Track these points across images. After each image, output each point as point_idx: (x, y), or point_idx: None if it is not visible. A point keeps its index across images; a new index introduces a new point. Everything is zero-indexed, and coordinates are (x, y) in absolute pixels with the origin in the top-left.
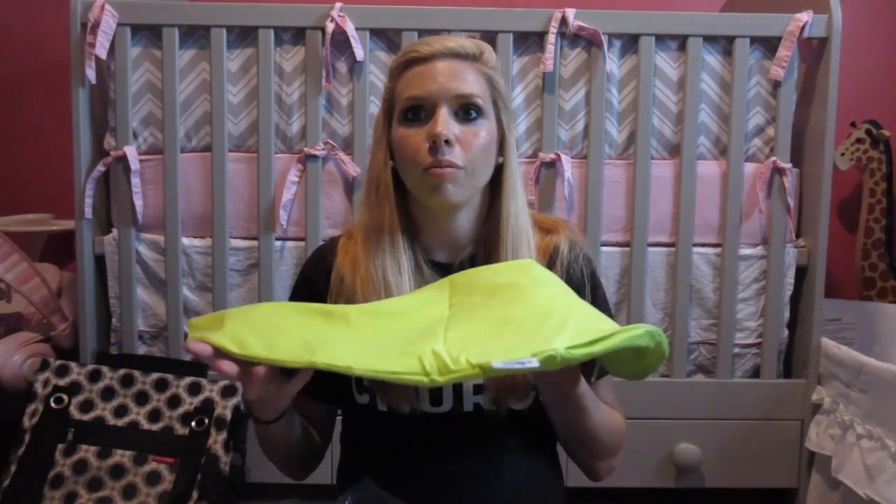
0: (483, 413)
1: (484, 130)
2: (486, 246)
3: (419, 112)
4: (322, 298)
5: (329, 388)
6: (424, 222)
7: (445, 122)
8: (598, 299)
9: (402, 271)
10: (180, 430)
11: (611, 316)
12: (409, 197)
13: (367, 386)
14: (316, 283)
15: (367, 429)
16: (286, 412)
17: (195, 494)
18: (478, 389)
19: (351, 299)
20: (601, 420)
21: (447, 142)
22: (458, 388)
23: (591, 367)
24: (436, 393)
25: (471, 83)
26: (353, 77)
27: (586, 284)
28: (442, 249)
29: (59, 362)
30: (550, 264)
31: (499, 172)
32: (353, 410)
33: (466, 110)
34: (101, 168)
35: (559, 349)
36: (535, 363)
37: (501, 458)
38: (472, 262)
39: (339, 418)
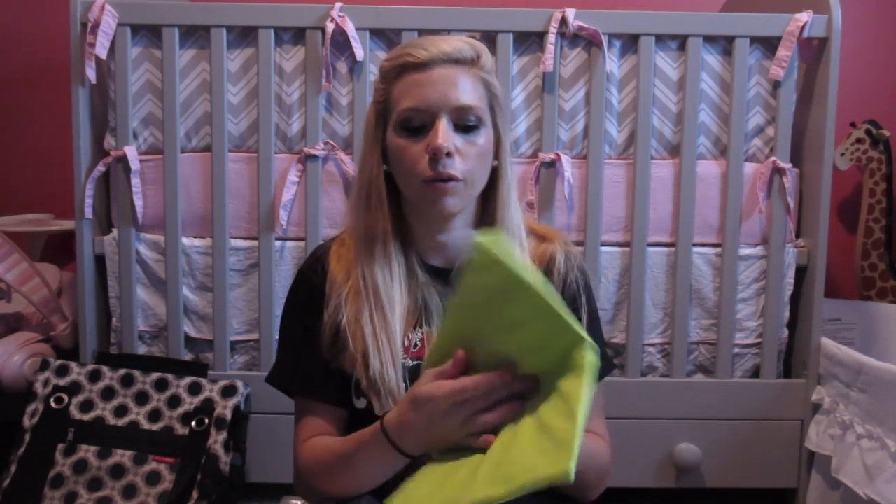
0: None
1: (482, 138)
2: None
3: (417, 123)
4: (320, 305)
5: (333, 391)
6: (419, 227)
7: (446, 135)
8: (591, 312)
9: (393, 276)
10: (180, 430)
11: (600, 329)
12: (403, 201)
13: (364, 391)
14: (316, 287)
15: None
16: None
17: (195, 494)
18: None
19: (340, 308)
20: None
21: (448, 154)
22: None
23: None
24: None
25: (469, 92)
26: (353, 77)
27: (581, 295)
28: (437, 254)
29: (59, 362)
30: (547, 273)
31: (494, 175)
32: (354, 415)
33: (465, 120)
34: (101, 168)
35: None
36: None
37: None
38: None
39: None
